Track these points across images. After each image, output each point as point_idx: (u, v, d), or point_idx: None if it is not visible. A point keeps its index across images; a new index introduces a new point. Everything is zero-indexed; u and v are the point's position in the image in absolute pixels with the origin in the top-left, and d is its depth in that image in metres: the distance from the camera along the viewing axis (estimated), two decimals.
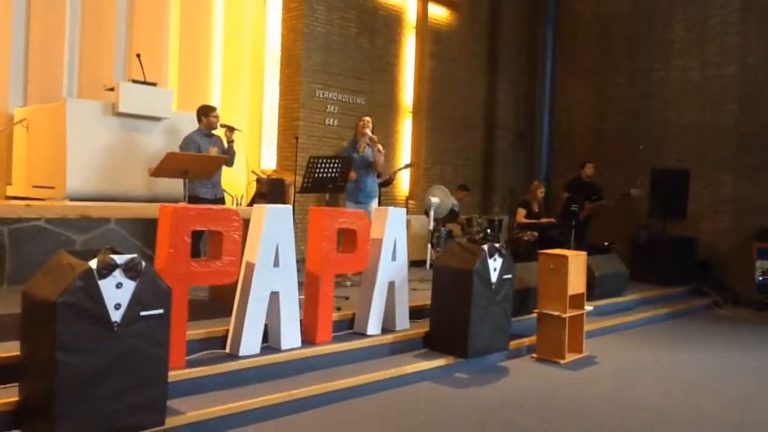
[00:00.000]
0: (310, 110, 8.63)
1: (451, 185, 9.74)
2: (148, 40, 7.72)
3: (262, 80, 8.96)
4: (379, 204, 7.39)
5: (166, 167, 5.28)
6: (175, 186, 5.87)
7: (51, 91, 7.20)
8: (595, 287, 7.25)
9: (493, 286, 5.31)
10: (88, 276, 3.16)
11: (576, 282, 5.83)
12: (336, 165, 5.99)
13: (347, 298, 5.81)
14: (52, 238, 5.90)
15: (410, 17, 9.92)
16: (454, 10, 10.56)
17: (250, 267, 4.43)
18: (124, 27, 7.76)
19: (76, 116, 6.00)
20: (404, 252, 5.46)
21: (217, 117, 6.43)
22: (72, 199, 5.82)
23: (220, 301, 5.16)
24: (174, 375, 3.76)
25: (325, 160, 5.98)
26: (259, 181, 7.94)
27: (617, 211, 9.87)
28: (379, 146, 6.93)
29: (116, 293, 3.24)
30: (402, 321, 5.46)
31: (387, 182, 8.62)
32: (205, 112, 6.40)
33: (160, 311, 3.41)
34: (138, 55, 6.46)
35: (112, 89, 6.23)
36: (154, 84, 6.50)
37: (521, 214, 8.75)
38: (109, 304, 3.22)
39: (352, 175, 6.70)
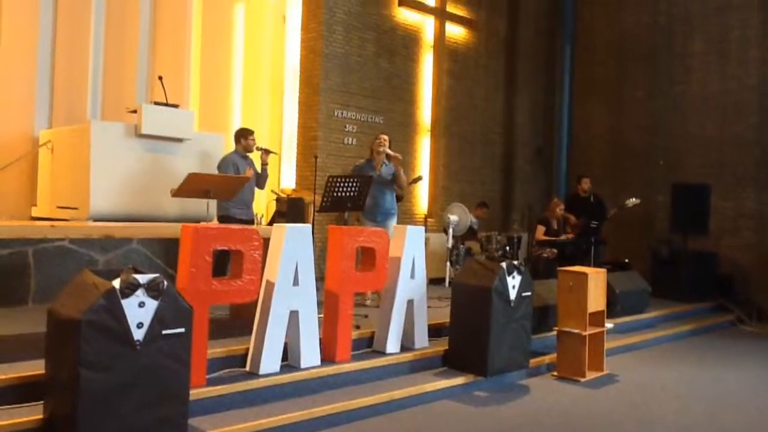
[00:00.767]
0: (328, 130, 8.71)
1: (470, 203, 9.75)
2: (170, 62, 7.88)
3: (281, 100, 9.08)
4: (397, 222, 7.40)
5: (188, 188, 5.35)
6: (202, 206, 5.92)
7: (75, 114, 7.37)
8: (616, 304, 7.20)
9: (512, 304, 5.29)
10: (112, 295, 3.22)
11: (596, 299, 5.79)
12: (354, 184, 6.04)
13: (366, 316, 5.82)
14: (76, 257, 6.00)
15: (428, 36, 10.00)
16: (471, 28, 10.62)
17: (270, 286, 4.47)
18: (147, 50, 7.94)
19: (100, 138, 6.10)
20: (423, 270, 5.47)
21: (254, 140, 6.64)
22: (95, 220, 5.92)
23: (241, 320, 5.20)
24: (195, 393, 3.79)
25: (343, 179, 6.03)
26: (278, 200, 8.02)
27: (637, 227, 9.77)
28: (398, 156, 6.87)
29: (139, 312, 3.29)
30: (421, 339, 5.46)
31: (399, 198, 8.63)
32: (244, 135, 6.59)
33: (182, 330, 3.45)
34: (160, 78, 6.59)
35: (134, 111, 6.34)
36: (176, 106, 6.61)
37: (540, 231, 8.74)
38: (132, 323, 3.27)
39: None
